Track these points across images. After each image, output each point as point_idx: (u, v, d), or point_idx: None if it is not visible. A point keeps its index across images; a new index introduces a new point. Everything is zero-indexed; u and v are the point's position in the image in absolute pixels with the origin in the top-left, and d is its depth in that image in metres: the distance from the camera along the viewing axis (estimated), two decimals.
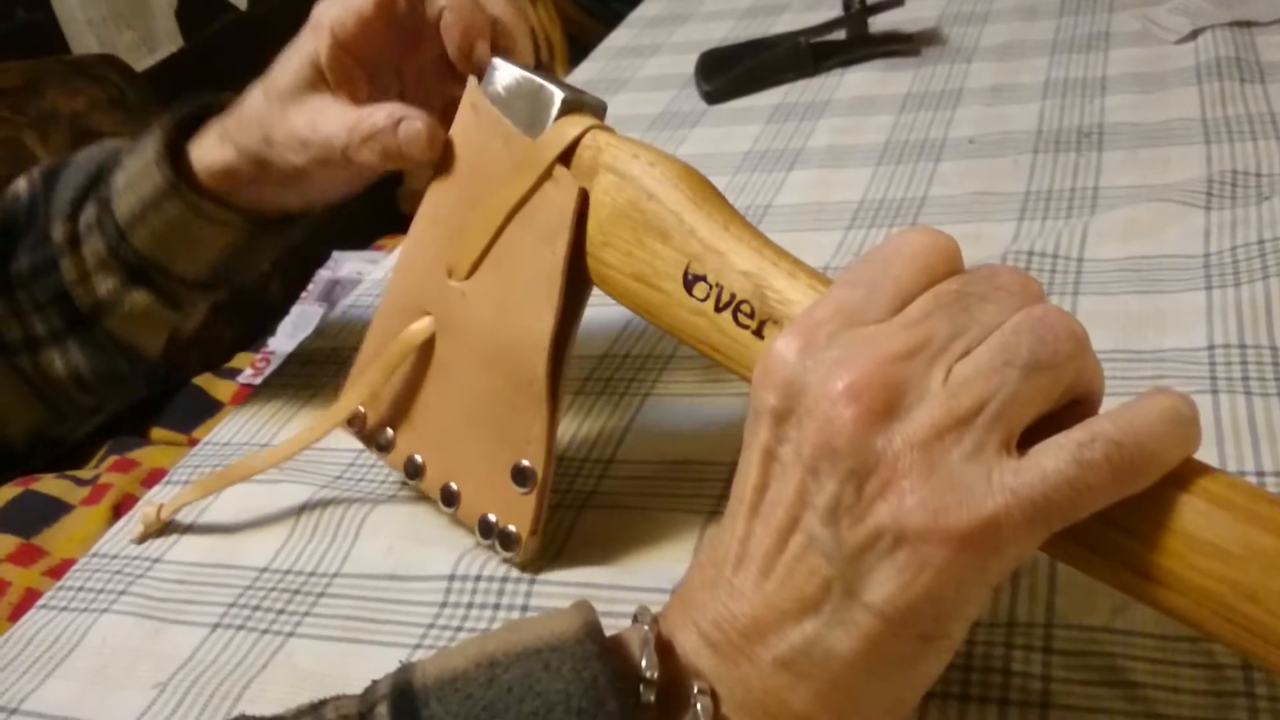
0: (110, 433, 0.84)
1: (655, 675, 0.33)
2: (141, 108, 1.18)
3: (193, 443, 0.74)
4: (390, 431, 0.55)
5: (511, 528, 0.50)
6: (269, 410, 0.67)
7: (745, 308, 0.41)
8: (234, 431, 0.66)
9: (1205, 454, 0.37)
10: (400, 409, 0.54)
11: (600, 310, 0.69)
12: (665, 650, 0.35)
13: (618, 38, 1.17)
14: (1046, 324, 0.32)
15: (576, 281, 0.47)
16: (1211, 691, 0.39)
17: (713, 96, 0.97)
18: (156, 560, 0.56)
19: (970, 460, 0.31)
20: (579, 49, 1.25)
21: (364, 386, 0.53)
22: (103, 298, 0.64)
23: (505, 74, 0.50)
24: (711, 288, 0.42)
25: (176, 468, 0.63)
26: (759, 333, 0.40)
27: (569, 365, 0.49)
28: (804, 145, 0.86)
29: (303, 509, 0.57)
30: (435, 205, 0.52)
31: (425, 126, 0.51)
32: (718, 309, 0.42)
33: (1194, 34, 0.89)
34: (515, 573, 0.51)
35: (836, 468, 0.32)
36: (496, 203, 0.48)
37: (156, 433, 0.85)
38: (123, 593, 0.54)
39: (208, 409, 0.86)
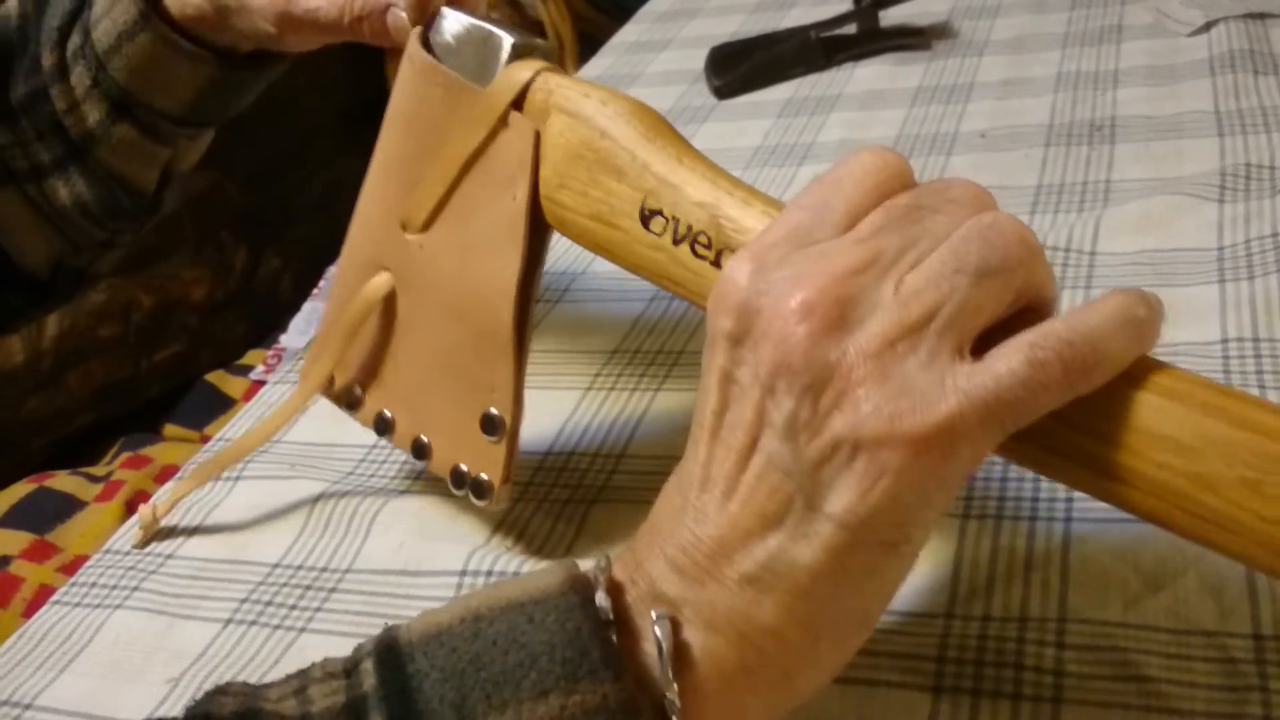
0: (123, 430, 0.84)
1: (611, 617, 0.34)
2: None
3: (205, 439, 0.74)
4: (358, 389, 0.54)
5: (483, 476, 0.49)
6: (280, 406, 0.67)
7: (702, 239, 0.41)
8: (245, 427, 0.66)
9: None
10: (366, 366, 0.54)
11: (609, 305, 0.69)
12: (618, 588, 0.35)
13: (627, 33, 1.17)
14: (996, 229, 0.33)
15: (537, 227, 0.47)
16: (1225, 686, 0.39)
17: (723, 91, 0.97)
18: (169, 556, 0.56)
19: (924, 367, 0.31)
20: (589, 45, 1.24)
21: (330, 355, 0.53)
22: (92, 128, 0.65)
23: (453, 22, 0.49)
24: (668, 221, 0.42)
25: (187, 465, 0.64)
26: (716, 263, 0.40)
27: (533, 313, 0.49)
28: (815, 140, 0.86)
29: (314, 505, 0.57)
30: (384, 160, 0.52)
31: (409, 16, 0.52)
32: (675, 242, 0.42)
33: (1207, 26, 0.88)
34: (527, 567, 0.51)
35: (793, 385, 0.32)
36: (450, 153, 0.48)
37: (169, 429, 0.86)
38: (135, 589, 0.54)
39: (220, 405, 0.86)
